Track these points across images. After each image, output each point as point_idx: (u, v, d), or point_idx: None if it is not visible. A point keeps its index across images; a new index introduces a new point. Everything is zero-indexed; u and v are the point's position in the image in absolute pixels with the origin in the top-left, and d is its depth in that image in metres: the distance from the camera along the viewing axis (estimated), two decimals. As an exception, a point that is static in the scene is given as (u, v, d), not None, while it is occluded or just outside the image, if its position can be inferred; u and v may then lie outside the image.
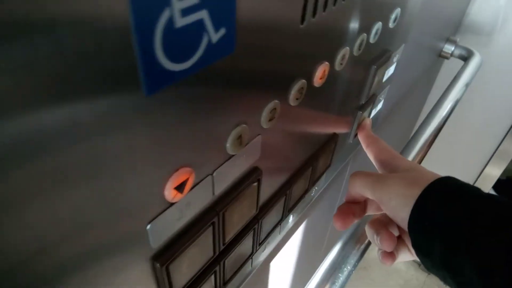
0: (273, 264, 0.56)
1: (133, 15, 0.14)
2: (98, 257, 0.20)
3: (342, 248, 0.62)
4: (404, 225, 0.32)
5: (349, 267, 0.61)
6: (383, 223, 0.38)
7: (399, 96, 0.83)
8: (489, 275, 0.26)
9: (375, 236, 0.37)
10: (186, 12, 0.16)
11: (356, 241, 0.64)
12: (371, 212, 0.41)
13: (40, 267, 0.17)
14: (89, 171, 0.17)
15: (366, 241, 0.65)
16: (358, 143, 0.57)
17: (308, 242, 0.71)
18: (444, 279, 0.30)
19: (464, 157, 1.43)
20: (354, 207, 0.40)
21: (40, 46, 0.12)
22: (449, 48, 1.07)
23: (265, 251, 0.44)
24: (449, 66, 1.17)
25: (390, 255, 0.37)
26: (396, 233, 0.39)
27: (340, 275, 0.60)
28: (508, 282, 0.25)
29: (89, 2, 0.13)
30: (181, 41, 0.17)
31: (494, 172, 1.40)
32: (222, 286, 0.35)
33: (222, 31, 0.19)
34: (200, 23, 0.17)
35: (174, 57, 0.17)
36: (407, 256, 0.38)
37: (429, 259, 0.31)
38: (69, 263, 0.18)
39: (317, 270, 0.61)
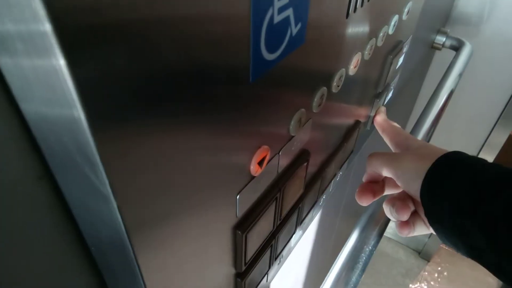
0: (300, 247, 0.60)
1: (252, 16, 0.18)
2: (192, 217, 0.23)
3: (362, 230, 0.66)
4: (417, 196, 0.35)
5: (370, 247, 0.65)
6: (399, 199, 0.41)
7: (400, 86, 0.88)
8: (492, 232, 0.28)
9: (391, 209, 0.40)
10: (280, 10, 0.20)
11: (375, 223, 0.68)
12: (388, 190, 0.45)
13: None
14: (202, 145, 0.20)
15: (383, 221, 0.70)
16: (371, 131, 0.62)
17: (324, 223, 0.75)
18: (456, 246, 0.33)
19: (457, 145, 1.48)
20: (373, 186, 0.43)
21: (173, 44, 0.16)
22: (440, 39, 1.12)
23: (302, 231, 0.48)
24: (440, 57, 1.23)
25: (407, 225, 0.40)
26: (411, 207, 0.42)
27: (363, 255, 0.64)
28: (510, 237, 0.28)
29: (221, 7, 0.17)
30: (276, 34, 0.21)
31: (487, 158, 1.45)
32: (273, 260, 0.39)
33: (299, 26, 0.23)
34: (287, 19, 0.21)
35: (270, 48, 0.21)
36: (423, 229, 0.41)
37: (441, 225, 0.33)
38: (170, 215, 0.22)
39: (341, 252, 0.65)
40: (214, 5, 0.16)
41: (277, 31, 0.21)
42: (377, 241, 0.68)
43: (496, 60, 1.18)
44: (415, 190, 0.35)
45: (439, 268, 2.02)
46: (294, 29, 0.23)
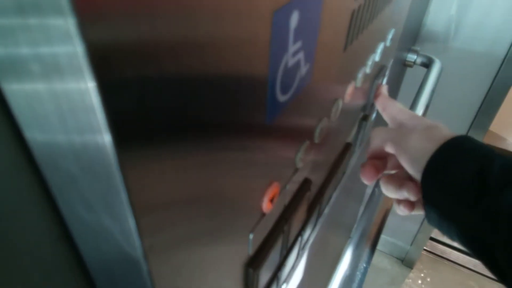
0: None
1: (270, 62, 0.18)
2: (208, 262, 0.23)
3: (355, 248, 0.67)
4: (417, 176, 0.33)
5: (364, 264, 0.66)
6: (400, 178, 0.39)
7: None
8: (493, 225, 0.28)
9: (399, 188, 0.38)
10: (293, 54, 0.21)
11: (367, 239, 0.69)
12: (390, 168, 0.42)
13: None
14: (220, 187, 0.20)
15: (374, 237, 0.71)
16: (357, 150, 0.63)
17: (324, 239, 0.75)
18: (448, 233, 0.32)
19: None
20: (376, 162, 0.41)
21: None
22: (412, 57, 1.17)
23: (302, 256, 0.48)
24: (411, 74, 1.28)
25: (412, 204, 0.38)
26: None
27: (358, 273, 0.65)
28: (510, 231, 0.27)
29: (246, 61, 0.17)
30: (289, 76, 0.21)
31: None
32: (278, 291, 0.39)
33: (308, 65, 0.23)
34: (299, 61, 0.22)
35: (283, 90, 0.21)
36: (420, 209, 0.38)
37: (438, 209, 0.32)
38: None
39: (336, 271, 0.65)
40: (236, 54, 0.16)
41: (290, 73, 0.21)
42: (371, 257, 0.69)
43: (464, 75, 1.25)
44: (417, 170, 0.33)
45: (422, 275, 2.05)
46: (303, 69, 0.23)
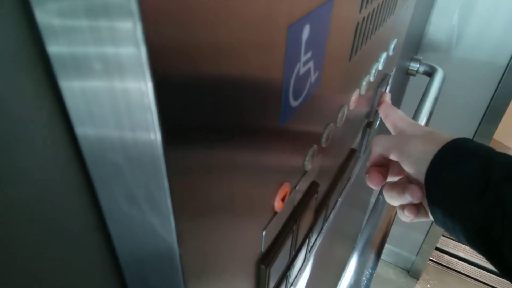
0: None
1: (285, 70, 0.20)
2: (226, 259, 0.24)
3: (361, 254, 0.68)
4: (421, 178, 0.35)
5: (370, 270, 0.67)
6: (402, 184, 0.39)
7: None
8: (499, 218, 0.28)
9: (402, 193, 0.38)
10: (304, 63, 0.23)
11: (372, 246, 0.70)
12: (392, 175, 0.43)
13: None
14: (241, 186, 0.22)
15: (379, 243, 0.72)
16: (362, 157, 0.65)
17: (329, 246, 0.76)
18: (453, 230, 0.33)
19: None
20: (379, 169, 0.42)
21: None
22: (414, 66, 1.19)
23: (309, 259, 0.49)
24: (414, 82, 1.30)
25: (416, 208, 0.39)
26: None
27: (364, 278, 0.66)
28: None
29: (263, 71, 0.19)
30: (300, 83, 0.23)
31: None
32: (288, 291, 0.40)
33: (317, 73, 0.25)
34: (309, 70, 0.24)
35: (295, 96, 0.23)
36: (424, 216, 0.40)
37: (442, 208, 0.33)
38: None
39: (342, 277, 0.66)
40: (259, 61, 0.18)
41: (301, 80, 0.23)
42: (376, 264, 0.70)
43: (466, 84, 1.26)
44: (420, 172, 0.35)
45: (428, 286, 2.04)
46: (313, 77, 0.25)
